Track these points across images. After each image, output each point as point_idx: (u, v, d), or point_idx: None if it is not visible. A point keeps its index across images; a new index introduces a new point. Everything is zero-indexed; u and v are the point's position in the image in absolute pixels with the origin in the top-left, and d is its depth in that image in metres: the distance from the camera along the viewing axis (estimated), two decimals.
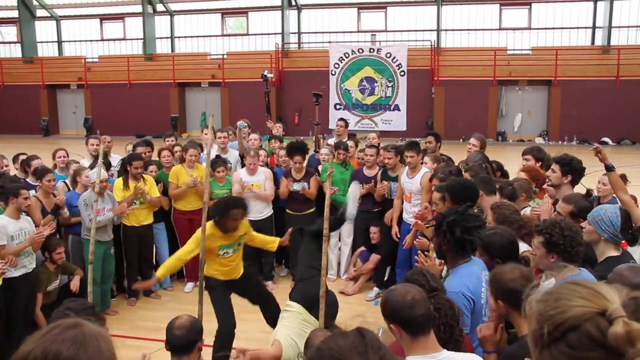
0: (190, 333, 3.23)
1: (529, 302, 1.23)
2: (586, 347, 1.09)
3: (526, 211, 4.67)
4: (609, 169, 4.57)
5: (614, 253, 3.57)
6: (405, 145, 6.97)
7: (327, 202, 4.36)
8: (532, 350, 1.21)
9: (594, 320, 1.09)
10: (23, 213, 5.65)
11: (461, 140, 19.75)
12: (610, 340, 1.06)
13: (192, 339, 3.23)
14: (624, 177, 5.53)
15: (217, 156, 7.94)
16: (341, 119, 9.40)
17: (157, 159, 7.96)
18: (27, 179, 6.90)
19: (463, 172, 5.85)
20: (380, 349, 1.30)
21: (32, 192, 6.50)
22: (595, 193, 5.44)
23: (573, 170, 4.92)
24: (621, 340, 1.05)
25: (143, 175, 7.12)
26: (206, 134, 8.66)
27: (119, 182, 7.04)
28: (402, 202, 6.93)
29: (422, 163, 6.88)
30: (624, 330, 1.05)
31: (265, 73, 10.72)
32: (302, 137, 9.49)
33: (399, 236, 6.92)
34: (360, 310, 6.68)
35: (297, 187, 7.45)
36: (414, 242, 5.38)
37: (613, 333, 1.06)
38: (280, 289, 7.67)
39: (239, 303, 6.74)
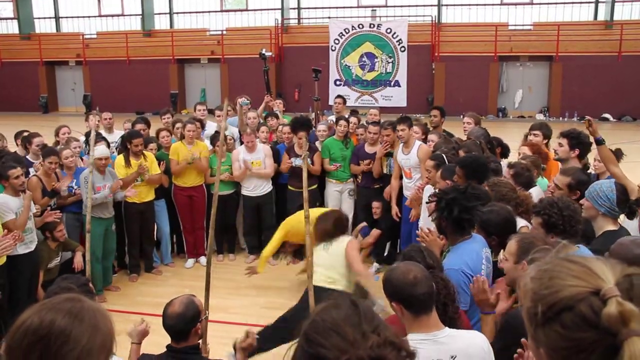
0: (182, 322, 3.16)
1: (524, 278, 1.22)
2: (580, 327, 1.08)
3: (533, 192, 4.62)
4: (599, 142, 4.56)
5: (611, 227, 3.61)
6: (397, 120, 6.97)
7: (304, 184, 4.53)
8: (527, 327, 1.21)
9: (588, 300, 1.09)
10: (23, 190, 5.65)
11: (462, 116, 19.62)
12: (603, 321, 1.06)
13: (186, 328, 3.18)
14: (619, 152, 5.53)
15: (217, 132, 7.94)
16: (339, 96, 9.36)
17: (155, 137, 7.90)
18: (27, 156, 6.91)
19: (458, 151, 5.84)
20: (374, 319, 1.31)
21: (32, 170, 6.52)
22: (592, 170, 5.44)
23: (581, 144, 4.91)
24: (614, 320, 1.05)
25: (144, 152, 7.12)
26: (199, 110, 8.66)
27: (120, 159, 7.05)
28: (400, 179, 6.95)
29: (424, 140, 6.90)
30: (617, 310, 1.05)
31: (263, 51, 10.61)
32: (303, 114, 9.46)
33: (400, 215, 6.95)
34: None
35: (298, 162, 7.43)
36: (426, 202, 5.32)
37: (606, 313, 1.05)
38: (281, 264, 7.72)
39: (239, 279, 6.81)
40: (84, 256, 6.35)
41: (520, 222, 3.85)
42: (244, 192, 7.66)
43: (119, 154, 7.28)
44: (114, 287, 6.97)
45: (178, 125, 7.99)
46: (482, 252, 3.44)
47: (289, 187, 7.65)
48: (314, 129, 8.37)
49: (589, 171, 5.18)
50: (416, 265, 2.57)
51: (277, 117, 8.71)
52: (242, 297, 6.31)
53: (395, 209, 6.99)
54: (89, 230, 5.55)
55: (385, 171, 7.24)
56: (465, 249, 3.40)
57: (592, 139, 4.88)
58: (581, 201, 3.72)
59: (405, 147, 6.72)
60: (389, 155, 7.18)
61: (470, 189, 3.49)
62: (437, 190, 3.89)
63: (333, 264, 4.98)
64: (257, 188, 7.58)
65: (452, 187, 3.60)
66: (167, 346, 3.23)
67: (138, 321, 3.48)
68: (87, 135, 7.68)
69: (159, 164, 7.29)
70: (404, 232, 6.91)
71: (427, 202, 4.47)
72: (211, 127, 8.48)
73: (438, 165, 5.30)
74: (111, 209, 6.78)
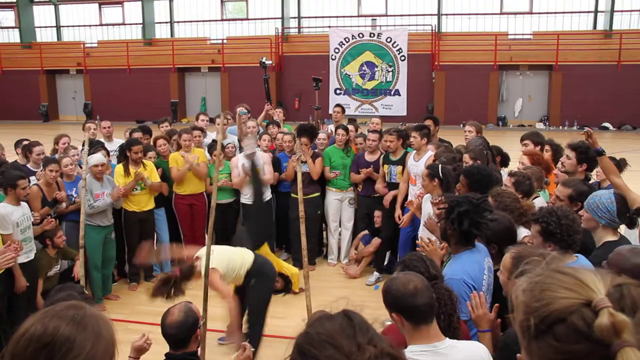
0: (184, 330, 3.19)
1: (515, 291, 1.22)
2: (573, 339, 1.08)
3: (537, 201, 4.61)
4: (600, 153, 4.54)
5: (611, 238, 3.59)
6: (413, 127, 7.03)
7: (299, 186, 4.60)
8: (520, 340, 1.20)
9: (580, 312, 1.09)
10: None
11: (461, 125, 19.66)
12: (596, 332, 1.06)
13: (186, 335, 3.21)
14: (623, 162, 5.51)
15: (214, 141, 7.95)
16: (338, 105, 9.39)
17: (153, 146, 7.90)
18: (27, 165, 6.91)
19: (463, 154, 5.86)
20: (369, 331, 1.29)
21: (33, 178, 6.51)
22: (594, 178, 5.42)
23: (589, 158, 4.89)
24: (606, 331, 1.05)
25: (143, 160, 7.13)
26: (202, 120, 8.69)
27: (119, 168, 7.04)
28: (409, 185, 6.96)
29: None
30: (609, 321, 1.05)
31: (264, 60, 10.65)
32: (305, 122, 9.50)
33: (401, 218, 6.96)
34: (361, 294, 6.72)
35: (304, 168, 7.39)
36: (424, 223, 5.35)
37: (598, 325, 1.05)
38: None
39: None
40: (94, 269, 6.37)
41: (523, 232, 3.84)
42: (243, 199, 7.64)
43: (118, 162, 7.27)
44: (114, 296, 6.95)
45: (175, 137, 8.02)
46: (484, 262, 3.42)
47: (292, 194, 7.62)
48: None
49: (591, 182, 5.15)
50: (416, 276, 2.55)
51: (278, 125, 8.73)
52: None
53: (398, 212, 6.98)
54: (82, 246, 5.53)
55: (387, 179, 7.24)
56: (467, 259, 3.38)
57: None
58: (580, 212, 3.70)
59: (417, 154, 6.75)
60: (391, 163, 7.18)
61: (483, 204, 3.47)
62: (450, 198, 3.88)
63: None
64: None
65: (465, 198, 3.55)
66: (166, 354, 3.23)
67: (139, 334, 3.45)
68: (91, 144, 7.67)
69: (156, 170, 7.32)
70: (402, 238, 6.91)
71: (438, 209, 4.45)
72: (211, 136, 8.51)
73: (432, 175, 5.32)
74: (110, 217, 6.78)
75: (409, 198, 6.82)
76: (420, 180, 6.61)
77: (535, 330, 1.14)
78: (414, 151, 6.83)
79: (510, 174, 4.89)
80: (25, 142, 7.38)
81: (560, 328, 1.10)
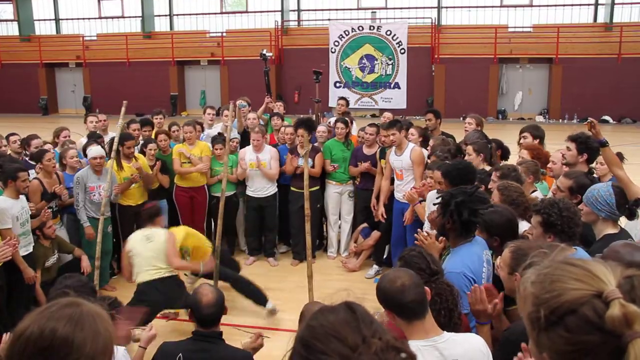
0: (219, 310, 3.39)
1: (523, 283, 1.22)
2: (584, 330, 1.08)
3: (535, 195, 4.62)
4: (603, 144, 4.54)
5: (612, 230, 3.59)
6: (385, 125, 6.95)
7: (305, 183, 4.57)
8: (529, 332, 1.20)
9: (591, 303, 1.09)
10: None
11: (461, 118, 19.61)
12: (607, 323, 1.06)
13: (220, 313, 3.41)
14: (620, 155, 5.50)
15: (219, 133, 7.96)
16: (342, 98, 9.40)
17: (154, 139, 7.90)
18: (26, 158, 6.90)
19: (466, 146, 5.85)
20: (373, 323, 1.28)
21: (32, 171, 6.50)
22: (596, 173, 5.42)
23: (589, 149, 4.89)
24: (618, 322, 1.05)
25: (135, 155, 7.12)
26: (209, 114, 8.70)
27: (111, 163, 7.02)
28: (391, 182, 6.94)
29: (425, 145, 6.89)
30: (621, 312, 1.05)
31: (264, 52, 10.63)
32: (305, 116, 9.48)
33: (385, 217, 6.97)
34: (360, 287, 6.72)
35: (302, 162, 7.41)
36: (426, 217, 5.31)
37: (610, 316, 1.06)
38: (281, 265, 7.76)
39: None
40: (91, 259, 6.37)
41: (524, 226, 3.85)
42: (248, 192, 7.66)
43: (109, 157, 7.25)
44: (110, 287, 6.93)
45: (174, 128, 8.06)
46: (483, 254, 3.43)
47: (292, 188, 7.63)
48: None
49: (593, 175, 5.15)
50: (405, 272, 2.55)
51: (282, 117, 8.71)
52: (241, 299, 6.29)
53: (381, 210, 6.99)
54: (99, 240, 5.58)
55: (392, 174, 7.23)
56: (466, 252, 3.38)
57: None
58: (580, 206, 3.70)
59: (398, 149, 6.69)
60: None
61: (476, 192, 3.47)
62: (441, 191, 3.87)
63: (156, 254, 5.37)
64: (261, 189, 7.57)
65: (458, 189, 3.55)
66: (194, 332, 3.38)
67: (146, 326, 3.52)
68: (89, 136, 7.68)
69: (154, 163, 7.34)
70: (394, 236, 6.89)
71: (433, 204, 4.45)
72: (215, 128, 8.52)
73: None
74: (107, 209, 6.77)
75: (396, 192, 6.80)
76: (406, 175, 6.60)
77: (546, 321, 1.14)
78: (394, 147, 6.78)
79: (496, 169, 4.89)
80: (13, 137, 7.35)
81: (571, 319, 1.10)
